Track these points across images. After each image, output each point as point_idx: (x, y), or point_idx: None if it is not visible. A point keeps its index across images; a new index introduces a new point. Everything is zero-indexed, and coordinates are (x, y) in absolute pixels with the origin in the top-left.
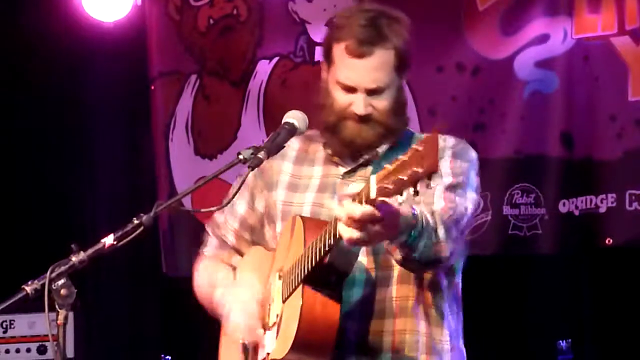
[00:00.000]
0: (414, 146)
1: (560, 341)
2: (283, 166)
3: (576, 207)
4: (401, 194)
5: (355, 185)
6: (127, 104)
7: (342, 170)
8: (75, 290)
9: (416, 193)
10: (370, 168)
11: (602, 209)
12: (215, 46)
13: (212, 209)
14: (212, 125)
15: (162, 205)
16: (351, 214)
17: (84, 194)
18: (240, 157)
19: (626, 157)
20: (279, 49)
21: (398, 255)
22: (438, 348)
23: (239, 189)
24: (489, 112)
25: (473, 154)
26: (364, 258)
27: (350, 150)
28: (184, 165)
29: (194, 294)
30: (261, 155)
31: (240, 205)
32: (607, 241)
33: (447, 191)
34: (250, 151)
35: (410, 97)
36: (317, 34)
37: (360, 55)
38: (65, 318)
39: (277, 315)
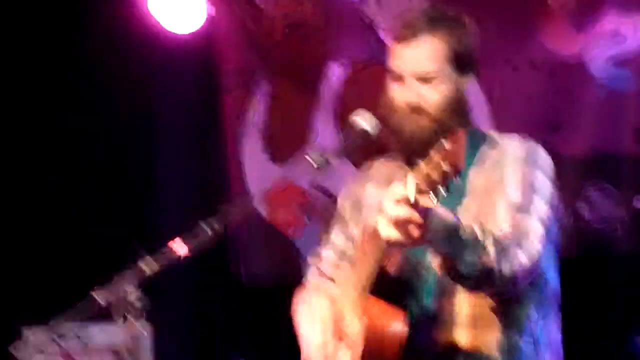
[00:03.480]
0: (442, 143)
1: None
2: (368, 190)
3: None
4: (435, 192)
5: (397, 186)
6: (199, 110)
7: None
8: (145, 297)
9: (448, 191)
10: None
11: None
12: (287, 50)
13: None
14: (285, 129)
15: (233, 210)
16: (387, 214)
17: (154, 200)
18: (309, 159)
19: None
20: (350, 52)
21: (446, 270)
22: (517, 356)
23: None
24: (563, 109)
25: (545, 159)
26: (436, 267)
27: (404, 145)
28: (257, 170)
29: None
30: (331, 157)
31: (337, 236)
32: None
33: (513, 212)
34: (319, 153)
35: (482, 95)
36: (388, 36)
37: (406, 40)
38: (139, 326)
39: (349, 330)
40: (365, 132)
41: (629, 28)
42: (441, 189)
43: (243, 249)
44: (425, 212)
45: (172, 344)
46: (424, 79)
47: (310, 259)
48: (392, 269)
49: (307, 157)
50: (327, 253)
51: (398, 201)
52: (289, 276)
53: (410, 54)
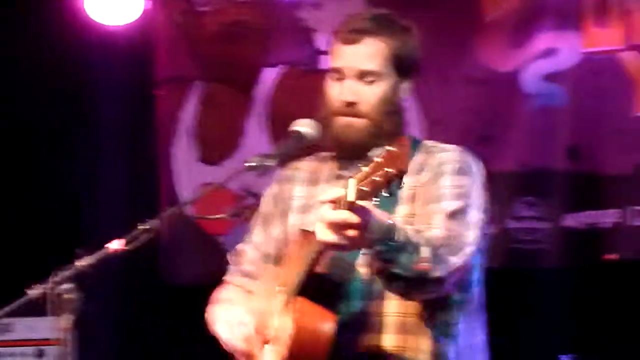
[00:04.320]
0: (387, 148)
1: (563, 356)
2: (295, 191)
3: (580, 222)
4: (376, 196)
5: (336, 190)
6: (131, 108)
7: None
8: (81, 295)
9: (390, 194)
10: None
11: (606, 224)
12: (221, 52)
13: (218, 216)
14: (216, 131)
15: (170, 210)
16: (326, 218)
17: (86, 199)
18: (248, 164)
19: (631, 172)
20: (285, 56)
21: (379, 273)
22: None
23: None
24: (495, 124)
25: (478, 167)
26: (363, 269)
27: (342, 150)
28: (187, 171)
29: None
30: (269, 163)
31: (256, 233)
32: (609, 256)
33: (448, 219)
34: (258, 159)
35: (416, 107)
36: (324, 42)
37: (349, 42)
38: (71, 322)
39: (276, 329)
40: (305, 138)
41: (563, 45)
42: (382, 191)
43: (166, 248)
44: (363, 214)
45: (94, 340)
46: (364, 79)
47: (230, 257)
48: (320, 269)
49: (247, 163)
50: (247, 250)
51: (336, 204)
52: (215, 276)
53: (352, 52)
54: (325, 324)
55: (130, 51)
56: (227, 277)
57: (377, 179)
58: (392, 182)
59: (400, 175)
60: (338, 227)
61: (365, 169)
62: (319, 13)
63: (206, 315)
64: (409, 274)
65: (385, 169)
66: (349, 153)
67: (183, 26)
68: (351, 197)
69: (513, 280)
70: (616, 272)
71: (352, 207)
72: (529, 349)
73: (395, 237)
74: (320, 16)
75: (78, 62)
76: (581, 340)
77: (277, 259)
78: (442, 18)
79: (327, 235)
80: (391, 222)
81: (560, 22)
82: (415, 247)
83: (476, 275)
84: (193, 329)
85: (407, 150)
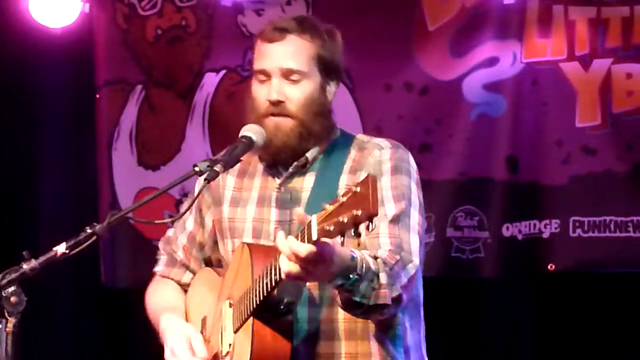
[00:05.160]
0: (352, 187)
1: None
2: (227, 180)
3: (519, 232)
4: (342, 236)
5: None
6: (72, 111)
7: (277, 181)
8: (26, 298)
9: (357, 235)
10: (306, 177)
11: (546, 235)
12: (163, 57)
13: (160, 221)
14: (157, 136)
15: (116, 215)
16: (297, 252)
17: (26, 201)
18: (197, 169)
19: (571, 183)
20: (227, 61)
21: (340, 300)
22: None
23: (191, 204)
24: (436, 132)
25: (411, 162)
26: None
27: (271, 154)
28: (127, 175)
29: (143, 310)
30: (218, 168)
31: (189, 221)
32: (549, 267)
33: (392, 225)
34: (207, 163)
35: (357, 114)
36: None
37: (273, 39)
38: (15, 326)
39: (230, 345)
40: (255, 143)
41: (505, 54)
42: (351, 233)
43: (105, 251)
44: (326, 251)
45: (40, 349)
46: (290, 77)
47: (162, 245)
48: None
49: (195, 168)
50: (180, 238)
51: (301, 239)
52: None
53: (277, 51)
54: (282, 344)
55: (73, 54)
56: (159, 269)
57: (343, 220)
58: (359, 224)
59: (369, 219)
60: (301, 260)
61: (328, 207)
62: (261, 19)
63: (148, 313)
64: (369, 302)
65: (354, 212)
66: (279, 156)
67: (125, 30)
68: (314, 235)
69: (452, 289)
70: (555, 282)
71: (316, 243)
72: (467, 357)
73: (357, 271)
74: (262, 22)
75: (20, 64)
76: (518, 351)
77: (212, 250)
78: (385, 26)
79: (289, 267)
80: (354, 256)
81: (503, 32)
82: (374, 275)
83: (419, 281)
84: (130, 331)
85: (375, 190)
